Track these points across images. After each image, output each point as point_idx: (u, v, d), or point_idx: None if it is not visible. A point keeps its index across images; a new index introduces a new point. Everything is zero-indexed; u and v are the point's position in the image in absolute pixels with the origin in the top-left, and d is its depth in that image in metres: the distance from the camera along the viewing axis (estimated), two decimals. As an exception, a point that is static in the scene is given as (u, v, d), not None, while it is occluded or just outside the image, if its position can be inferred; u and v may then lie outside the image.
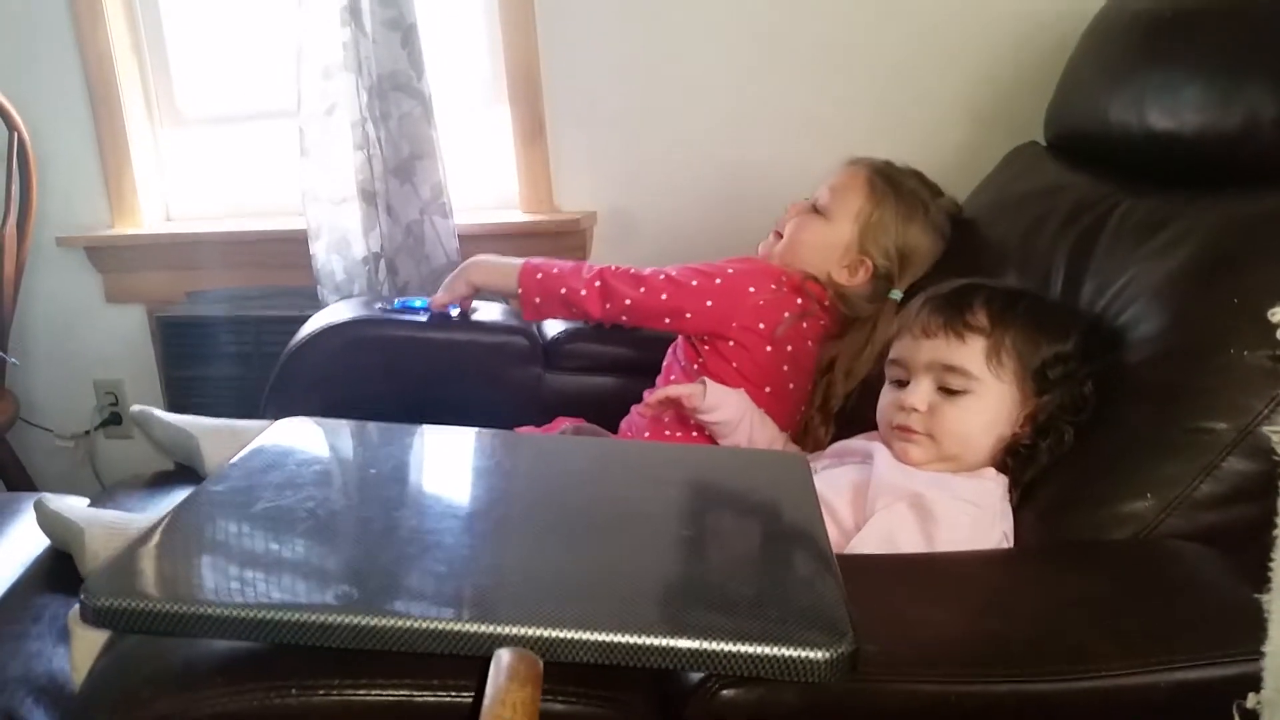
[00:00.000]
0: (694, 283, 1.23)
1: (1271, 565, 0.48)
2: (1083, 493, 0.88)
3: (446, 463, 0.93)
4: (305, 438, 0.91)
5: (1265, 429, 0.50)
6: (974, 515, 0.90)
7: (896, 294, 1.23)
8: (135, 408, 1.22)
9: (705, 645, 0.60)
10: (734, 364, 1.22)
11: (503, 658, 0.59)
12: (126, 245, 2.03)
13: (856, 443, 1.04)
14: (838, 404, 1.21)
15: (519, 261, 1.32)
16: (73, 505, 1.01)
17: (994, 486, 0.93)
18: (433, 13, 1.77)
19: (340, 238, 1.77)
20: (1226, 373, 0.84)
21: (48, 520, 0.99)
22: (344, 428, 0.94)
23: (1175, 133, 1.04)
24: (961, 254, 1.24)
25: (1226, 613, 0.71)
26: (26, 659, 0.90)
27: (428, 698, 0.64)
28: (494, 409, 1.22)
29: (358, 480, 0.85)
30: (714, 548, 0.76)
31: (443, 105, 1.74)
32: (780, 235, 1.31)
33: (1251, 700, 0.48)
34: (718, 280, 1.23)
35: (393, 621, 0.61)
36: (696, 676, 0.63)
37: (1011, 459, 0.94)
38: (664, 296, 1.24)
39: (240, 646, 0.66)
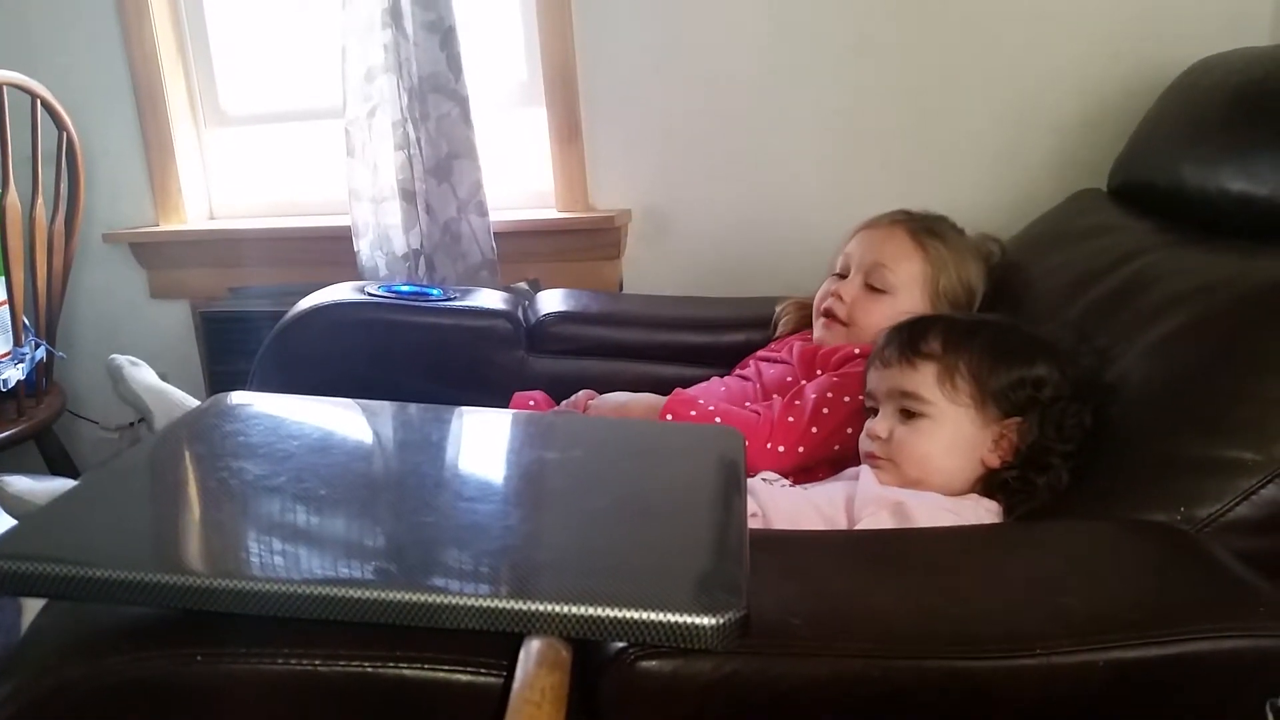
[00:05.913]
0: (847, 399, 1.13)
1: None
2: (1110, 504, 0.86)
3: (355, 432, 0.90)
4: (238, 410, 0.89)
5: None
6: (954, 521, 0.89)
7: None
8: (112, 357, 1.22)
9: (590, 611, 0.59)
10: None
11: (532, 645, 0.60)
12: (170, 242, 2.07)
13: (851, 469, 1.04)
14: None
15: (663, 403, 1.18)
16: (30, 486, 1.02)
17: (974, 505, 0.92)
18: (471, 15, 1.80)
19: (382, 235, 1.80)
20: (1273, 403, 0.83)
21: (7, 503, 1.02)
22: (282, 400, 0.92)
23: (1250, 194, 1.05)
24: (1016, 279, 1.26)
25: (1189, 591, 0.70)
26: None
27: (335, 668, 0.63)
28: (478, 392, 1.19)
29: (280, 452, 0.81)
30: (621, 518, 0.74)
31: (480, 106, 1.77)
32: (834, 317, 1.24)
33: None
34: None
35: (272, 588, 0.61)
36: (615, 647, 0.62)
37: (1000, 491, 0.93)
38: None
39: (149, 614, 0.65)
